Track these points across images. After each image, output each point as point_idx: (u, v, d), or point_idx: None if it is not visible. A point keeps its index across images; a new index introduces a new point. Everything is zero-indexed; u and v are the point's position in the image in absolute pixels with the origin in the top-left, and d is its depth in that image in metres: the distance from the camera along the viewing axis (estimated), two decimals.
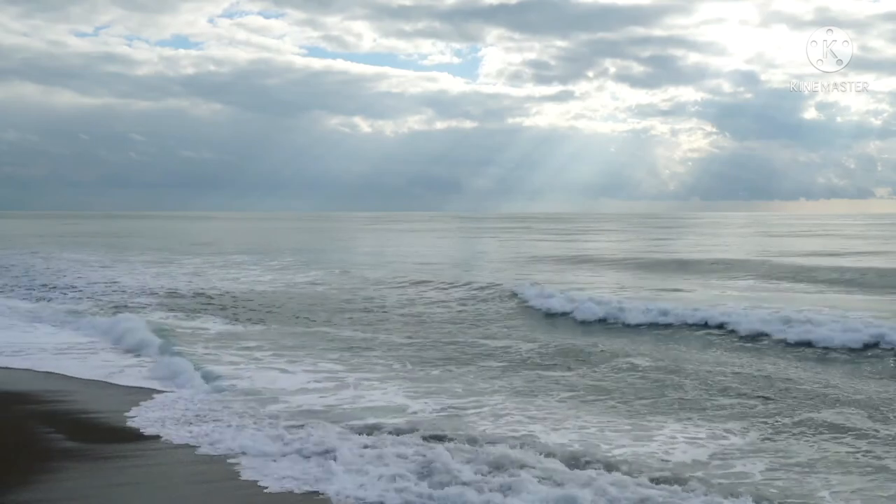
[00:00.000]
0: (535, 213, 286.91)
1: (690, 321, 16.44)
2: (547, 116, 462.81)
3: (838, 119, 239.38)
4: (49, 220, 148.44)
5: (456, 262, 36.23)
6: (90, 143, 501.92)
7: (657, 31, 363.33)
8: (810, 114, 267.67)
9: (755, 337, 14.99)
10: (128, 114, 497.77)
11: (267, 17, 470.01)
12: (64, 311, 19.38)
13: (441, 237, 69.53)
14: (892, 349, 13.27)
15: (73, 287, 25.84)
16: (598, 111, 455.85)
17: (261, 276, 30.03)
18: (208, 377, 11.72)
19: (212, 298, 22.97)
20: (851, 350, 13.51)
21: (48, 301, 22.04)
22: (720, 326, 15.91)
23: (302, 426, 8.98)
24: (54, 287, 25.81)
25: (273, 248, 50.41)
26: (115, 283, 27.27)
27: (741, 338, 15.06)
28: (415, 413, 9.89)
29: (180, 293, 24.16)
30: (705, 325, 16.12)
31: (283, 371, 12.42)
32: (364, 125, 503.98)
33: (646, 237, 60.35)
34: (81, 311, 19.62)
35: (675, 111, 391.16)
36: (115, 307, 20.57)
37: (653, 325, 16.64)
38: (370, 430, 8.91)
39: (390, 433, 8.77)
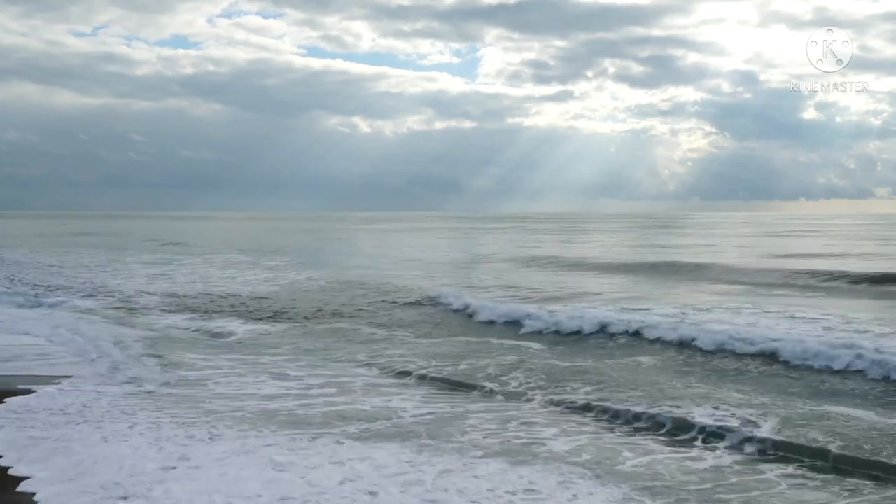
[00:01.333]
0: (535, 213, 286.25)
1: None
2: (546, 116, 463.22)
3: (838, 119, 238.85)
4: (48, 219, 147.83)
5: (446, 263, 36.33)
6: (90, 143, 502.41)
7: (656, 31, 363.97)
8: (810, 114, 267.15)
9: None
10: (127, 114, 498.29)
11: (266, 17, 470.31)
12: (74, 316, 18.98)
13: (430, 237, 69.32)
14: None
15: (77, 289, 25.77)
16: (598, 111, 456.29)
17: (259, 275, 30.10)
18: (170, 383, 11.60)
19: (224, 298, 23.12)
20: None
21: (58, 305, 21.50)
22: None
23: None
24: (65, 288, 25.71)
25: (269, 248, 50.48)
26: (124, 284, 27.30)
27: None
28: (397, 420, 9.62)
29: (188, 294, 24.21)
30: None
31: (284, 376, 12.23)
32: (363, 125, 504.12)
33: (636, 239, 60.21)
34: (91, 315, 19.23)
35: (675, 111, 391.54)
36: (127, 311, 20.44)
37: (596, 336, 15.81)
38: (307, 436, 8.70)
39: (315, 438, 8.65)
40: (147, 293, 24.38)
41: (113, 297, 23.52)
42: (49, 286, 26.23)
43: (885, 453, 8.10)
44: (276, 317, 19.45)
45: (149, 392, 10.85)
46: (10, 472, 7.45)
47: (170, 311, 20.28)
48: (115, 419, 9.24)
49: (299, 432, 8.83)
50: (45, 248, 50.48)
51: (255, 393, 10.97)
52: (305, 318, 19.30)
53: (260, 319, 18.99)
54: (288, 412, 9.85)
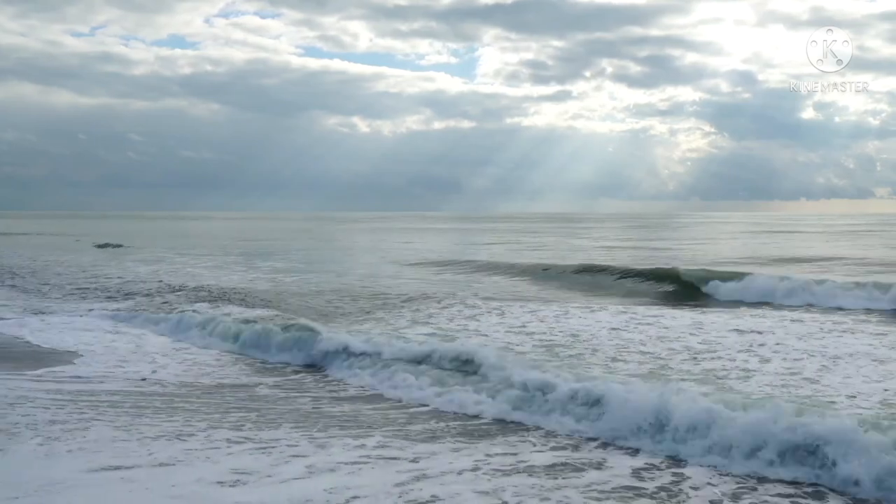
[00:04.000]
0: (534, 213, 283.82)
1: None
2: (545, 116, 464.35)
3: (836, 119, 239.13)
4: (49, 219, 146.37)
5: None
6: (89, 142, 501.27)
7: (654, 31, 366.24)
8: (808, 114, 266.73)
9: None
10: (126, 114, 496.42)
11: (263, 17, 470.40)
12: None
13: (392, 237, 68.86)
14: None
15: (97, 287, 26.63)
16: (596, 111, 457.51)
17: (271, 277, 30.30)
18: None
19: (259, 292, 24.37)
20: None
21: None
22: None
23: None
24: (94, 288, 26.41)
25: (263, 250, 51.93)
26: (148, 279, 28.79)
27: None
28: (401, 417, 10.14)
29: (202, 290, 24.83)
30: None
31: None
32: (362, 125, 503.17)
33: (615, 238, 60.13)
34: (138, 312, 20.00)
35: (674, 111, 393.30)
36: (167, 303, 21.62)
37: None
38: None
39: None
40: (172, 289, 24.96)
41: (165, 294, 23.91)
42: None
43: None
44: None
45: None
46: None
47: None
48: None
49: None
50: (37, 249, 51.08)
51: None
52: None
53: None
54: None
